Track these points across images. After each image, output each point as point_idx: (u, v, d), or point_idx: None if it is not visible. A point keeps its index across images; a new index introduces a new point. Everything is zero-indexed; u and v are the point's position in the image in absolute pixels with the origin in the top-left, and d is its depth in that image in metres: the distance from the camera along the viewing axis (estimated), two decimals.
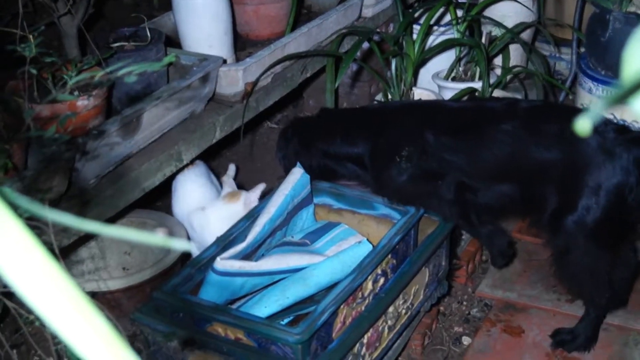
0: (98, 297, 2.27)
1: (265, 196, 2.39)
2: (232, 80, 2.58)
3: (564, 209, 2.18)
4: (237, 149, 3.02)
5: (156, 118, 2.27)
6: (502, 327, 2.48)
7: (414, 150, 2.26)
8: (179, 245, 0.65)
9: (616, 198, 2.13)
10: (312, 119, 2.58)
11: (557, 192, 2.18)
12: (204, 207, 2.51)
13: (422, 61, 2.92)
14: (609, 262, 2.26)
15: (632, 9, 2.31)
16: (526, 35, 3.32)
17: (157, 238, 0.63)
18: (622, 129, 2.15)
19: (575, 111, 2.34)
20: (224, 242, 2.15)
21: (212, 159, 3.19)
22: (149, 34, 2.35)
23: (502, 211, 2.37)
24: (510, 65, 3.07)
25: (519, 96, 2.95)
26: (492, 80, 2.81)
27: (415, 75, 3.01)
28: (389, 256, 2.13)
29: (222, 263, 1.97)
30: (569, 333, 2.41)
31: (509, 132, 2.18)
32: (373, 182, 2.41)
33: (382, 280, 2.13)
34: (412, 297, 2.24)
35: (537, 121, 2.18)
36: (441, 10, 2.92)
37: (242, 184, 2.80)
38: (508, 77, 3.03)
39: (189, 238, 2.53)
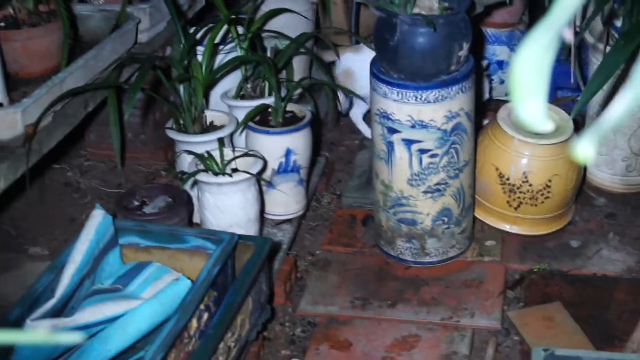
0: None
1: None
2: (11, 124, 2.37)
3: None
4: (26, 197, 2.81)
5: None
6: (330, 344, 2.41)
7: None
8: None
9: None
10: None
11: None
12: None
13: (212, 82, 2.82)
14: None
15: (416, 10, 2.32)
16: (307, 45, 3.31)
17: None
18: None
19: None
20: (29, 301, 1.97)
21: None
22: None
23: None
24: (296, 76, 3.04)
25: (309, 107, 2.91)
26: (282, 94, 2.76)
27: (206, 97, 2.91)
28: (210, 289, 2.02)
29: (33, 324, 1.80)
30: None
31: None
32: None
33: (206, 316, 2.02)
34: (239, 328, 2.14)
35: None
36: (225, 28, 2.83)
37: (35, 233, 2.61)
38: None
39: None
